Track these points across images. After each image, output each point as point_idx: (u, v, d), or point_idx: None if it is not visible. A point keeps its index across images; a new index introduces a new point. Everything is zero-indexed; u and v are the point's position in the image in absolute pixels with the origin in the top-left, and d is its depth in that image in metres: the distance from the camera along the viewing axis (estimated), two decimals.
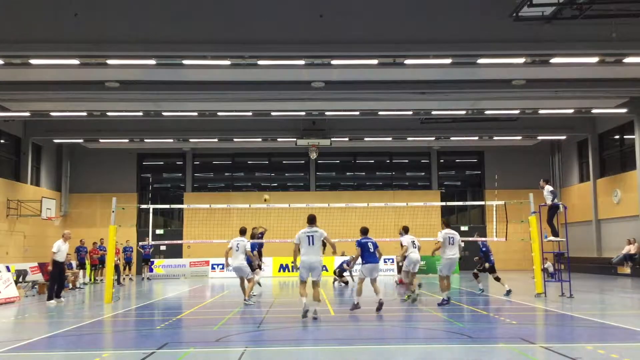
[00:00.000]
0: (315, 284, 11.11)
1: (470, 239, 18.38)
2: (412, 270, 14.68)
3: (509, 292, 15.63)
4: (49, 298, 15.10)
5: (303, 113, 24.81)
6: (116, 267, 23.76)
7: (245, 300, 14.00)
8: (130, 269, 26.22)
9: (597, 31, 15.41)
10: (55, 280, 15.43)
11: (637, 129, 24.45)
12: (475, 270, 17.02)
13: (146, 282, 24.58)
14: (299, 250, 11.23)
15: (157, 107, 23.72)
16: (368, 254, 12.22)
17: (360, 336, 9.76)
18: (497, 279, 16.52)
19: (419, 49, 16.34)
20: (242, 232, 14.75)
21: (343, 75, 19.61)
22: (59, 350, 8.66)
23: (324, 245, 12.42)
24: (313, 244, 11.09)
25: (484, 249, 16.92)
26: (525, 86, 20.36)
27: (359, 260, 12.39)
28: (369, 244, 12.26)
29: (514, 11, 14.55)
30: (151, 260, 27.10)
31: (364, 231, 12.53)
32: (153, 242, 20.05)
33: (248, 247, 14.55)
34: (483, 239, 17.89)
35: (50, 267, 15.34)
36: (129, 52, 16.35)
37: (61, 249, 15.32)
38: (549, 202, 15.59)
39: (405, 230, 15.35)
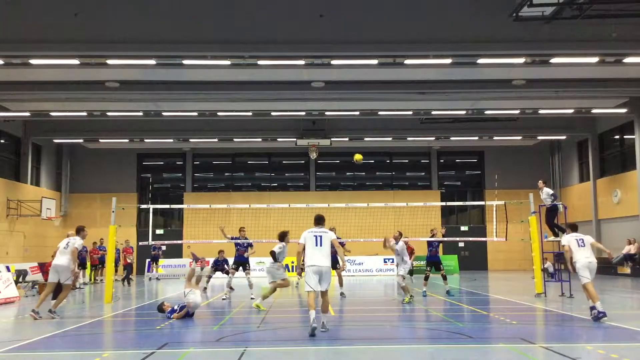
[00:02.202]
0: (323, 293, 9.43)
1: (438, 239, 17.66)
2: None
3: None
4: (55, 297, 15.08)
5: (303, 113, 24.82)
6: (129, 266, 23.76)
7: (50, 310, 11.80)
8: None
9: (597, 31, 15.42)
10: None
11: (637, 129, 24.44)
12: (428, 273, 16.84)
13: (153, 282, 24.52)
14: (304, 252, 9.53)
15: (157, 107, 23.73)
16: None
17: (360, 336, 9.75)
18: (426, 278, 16.60)
19: (419, 49, 16.36)
20: (78, 230, 12.83)
21: (343, 75, 19.62)
22: (59, 350, 8.66)
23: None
24: (321, 245, 9.36)
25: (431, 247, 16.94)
26: (525, 86, 20.37)
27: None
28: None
29: (514, 11, 14.56)
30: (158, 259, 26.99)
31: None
32: (153, 242, 20.04)
33: (77, 245, 12.36)
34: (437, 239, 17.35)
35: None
36: (129, 52, 16.37)
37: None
38: (547, 204, 15.59)
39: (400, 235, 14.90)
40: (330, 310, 12.41)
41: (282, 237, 13.19)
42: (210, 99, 22.37)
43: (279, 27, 15.77)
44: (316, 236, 9.47)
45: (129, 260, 23.96)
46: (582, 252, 11.22)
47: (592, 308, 10.58)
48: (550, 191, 15.85)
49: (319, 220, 9.80)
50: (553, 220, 15.71)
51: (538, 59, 17.43)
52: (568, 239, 11.45)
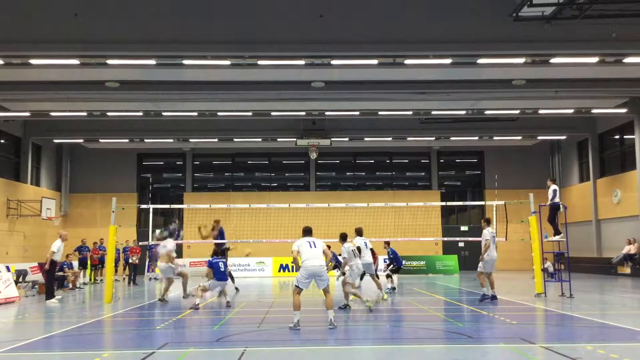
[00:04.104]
0: (325, 291, 10.11)
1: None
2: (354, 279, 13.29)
3: (393, 289, 17.16)
4: (49, 297, 15.17)
5: (303, 113, 24.82)
6: (134, 266, 23.68)
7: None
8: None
9: (597, 31, 15.41)
10: (53, 279, 15.60)
11: (637, 129, 24.44)
12: (388, 272, 18.07)
13: (153, 282, 24.50)
14: (300, 256, 10.17)
15: (157, 107, 23.73)
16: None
17: (360, 336, 9.75)
18: (389, 276, 17.88)
19: (419, 49, 16.35)
20: (171, 234, 15.76)
21: (343, 75, 19.62)
22: (59, 350, 8.66)
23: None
24: (315, 246, 10.10)
25: (392, 255, 18.02)
26: (525, 86, 20.37)
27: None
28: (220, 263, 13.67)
29: (514, 11, 14.56)
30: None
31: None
32: (153, 243, 20.01)
33: (170, 247, 15.07)
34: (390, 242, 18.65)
35: (47, 266, 15.43)
36: (129, 52, 16.37)
37: (60, 249, 15.47)
38: (548, 200, 15.62)
39: (358, 232, 14.11)
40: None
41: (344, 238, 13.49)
42: (210, 99, 22.36)
43: (279, 27, 15.76)
44: (309, 242, 10.17)
45: (132, 261, 23.84)
46: (494, 247, 14.05)
47: (492, 295, 13.85)
48: (554, 187, 15.82)
49: (308, 232, 10.52)
50: (553, 219, 15.73)
51: (538, 59, 17.43)
52: (491, 234, 13.98)
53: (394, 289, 17.33)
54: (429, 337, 9.51)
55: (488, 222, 14.37)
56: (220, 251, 15.82)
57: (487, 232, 14.00)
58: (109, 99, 22.01)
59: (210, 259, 14.15)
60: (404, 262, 25.85)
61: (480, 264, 13.99)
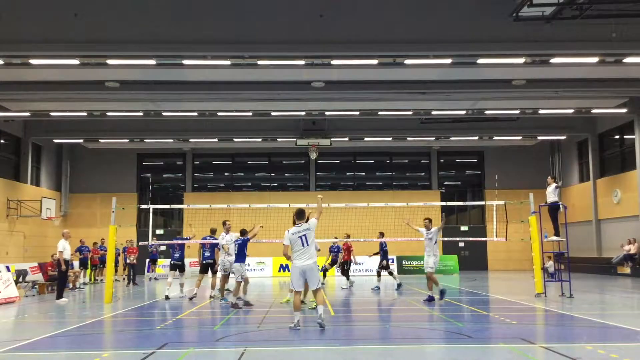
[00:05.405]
0: (315, 292, 9.85)
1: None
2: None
3: (399, 286, 18.02)
4: (59, 297, 15.25)
5: (303, 113, 24.82)
6: (132, 266, 23.65)
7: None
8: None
9: (597, 31, 15.41)
10: (66, 279, 15.73)
11: (637, 129, 24.45)
12: (378, 269, 18.93)
13: (153, 282, 24.51)
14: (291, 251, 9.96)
15: (157, 107, 23.73)
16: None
17: (360, 336, 9.75)
18: (391, 273, 18.96)
19: (419, 49, 16.34)
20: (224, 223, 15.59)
21: (343, 75, 19.61)
22: (59, 350, 8.66)
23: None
24: (307, 244, 9.70)
25: (385, 248, 18.68)
26: (525, 86, 20.37)
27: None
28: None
29: (514, 11, 14.55)
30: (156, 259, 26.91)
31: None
32: (153, 242, 20.03)
33: (221, 242, 15.17)
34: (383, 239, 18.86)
35: (63, 267, 15.46)
36: (129, 52, 16.35)
37: (66, 248, 15.55)
38: (548, 200, 15.63)
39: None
40: (330, 308, 12.41)
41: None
42: (210, 99, 22.36)
43: (279, 27, 15.75)
44: (301, 237, 9.74)
45: (130, 261, 23.81)
46: (437, 247, 14.28)
47: (430, 296, 13.78)
48: (554, 186, 15.77)
49: (300, 215, 9.99)
50: (554, 219, 15.71)
51: (538, 59, 17.42)
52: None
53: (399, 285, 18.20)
54: (429, 337, 9.52)
55: (431, 221, 14.87)
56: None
57: (436, 230, 14.47)
58: (109, 99, 22.00)
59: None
60: (403, 262, 26.58)
61: (429, 264, 14.16)
